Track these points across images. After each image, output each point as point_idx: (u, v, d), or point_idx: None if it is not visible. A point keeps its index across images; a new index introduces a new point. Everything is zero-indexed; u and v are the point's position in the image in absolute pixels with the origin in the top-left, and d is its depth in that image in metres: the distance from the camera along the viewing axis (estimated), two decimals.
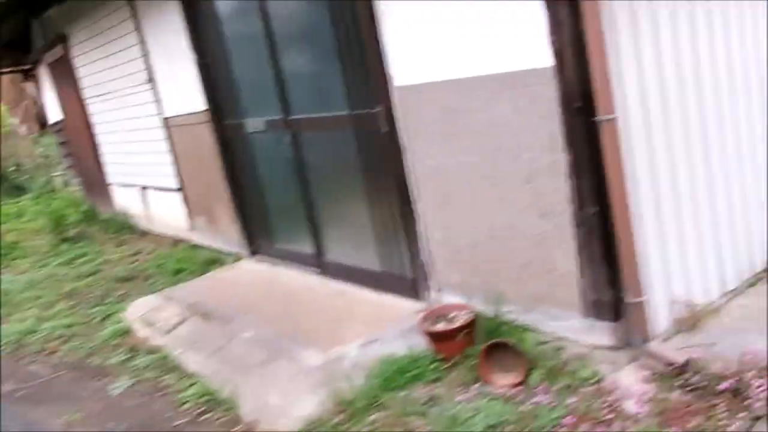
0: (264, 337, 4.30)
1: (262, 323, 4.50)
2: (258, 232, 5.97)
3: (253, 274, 5.66)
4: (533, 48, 3.12)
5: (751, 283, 3.80)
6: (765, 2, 3.78)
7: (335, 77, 4.37)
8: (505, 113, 3.35)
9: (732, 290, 3.71)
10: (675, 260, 3.40)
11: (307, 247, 5.30)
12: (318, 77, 4.62)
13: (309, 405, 3.48)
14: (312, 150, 4.91)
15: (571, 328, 3.41)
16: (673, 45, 3.31)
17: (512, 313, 3.63)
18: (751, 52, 3.71)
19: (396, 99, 3.95)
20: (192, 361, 4.31)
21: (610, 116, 3.01)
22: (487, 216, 3.64)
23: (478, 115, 3.48)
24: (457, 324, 3.59)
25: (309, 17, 4.47)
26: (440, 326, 3.64)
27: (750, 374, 2.90)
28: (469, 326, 3.58)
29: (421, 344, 3.67)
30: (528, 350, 3.40)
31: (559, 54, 3.06)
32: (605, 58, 2.98)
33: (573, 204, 3.21)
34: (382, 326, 4.02)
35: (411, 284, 4.31)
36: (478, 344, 3.51)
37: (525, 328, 3.58)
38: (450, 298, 4.02)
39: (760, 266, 3.87)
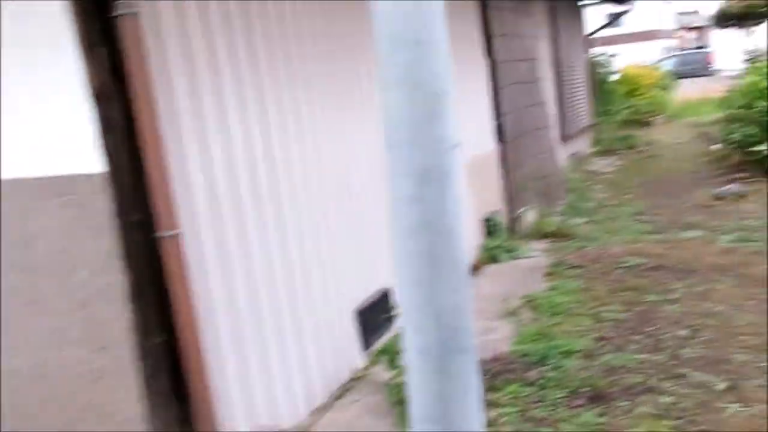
0: None
1: None
2: None
3: None
4: (82, 150, 2.63)
5: (340, 395, 3.71)
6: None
7: None
8: (50, 225, 2.75)
9: (321, 405, 3.58)
10: (258, 385, 3.12)
11: None
12: None
13: None
14: None
15: None
16: (247, 158, 3.14)
17: None
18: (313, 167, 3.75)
19: None
20: None
21: (173, 231, 2.64)
22: (34, 351, 2.93)
23: (17, 226, 2.82)
24: None
25: None
26: None
27: None
28: None
29: None
30: None
31: (112, 160, 2.63)
32: (165, 168, 2.63)
33: (136, 333, 2.72)
34: None
35: None
36: None
37: None
38: None
39: (347, 376, 3.83)
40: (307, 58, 3.67)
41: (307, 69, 3.65)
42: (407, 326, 1.63)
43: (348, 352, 3.85)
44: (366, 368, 3.94)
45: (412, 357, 1.63)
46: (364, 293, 4.03)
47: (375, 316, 4.07)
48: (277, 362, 3.26)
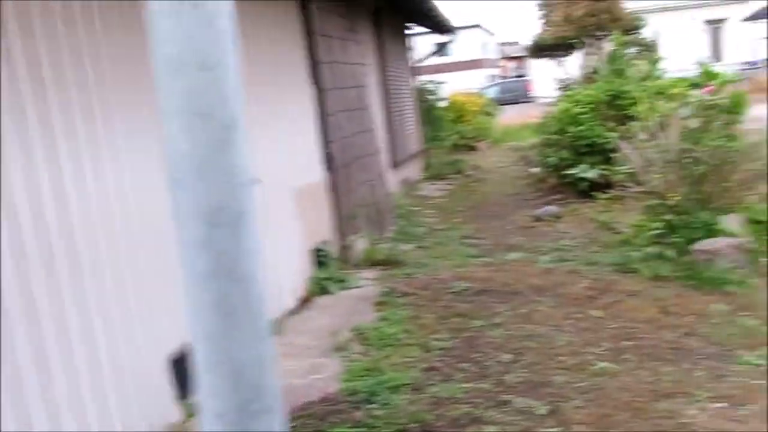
0: None
1: None
2: None
3: None
4: None
5: None
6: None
7: None
8: None
9: None
10: None
11: None
12: None
13: None
14: None
15: None
16: (55, 195, 2.78)
17: None
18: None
19: None
20: None
21: None
22: None
23: None
24: None
25: None
26: None
27: None
28: None
29: None
30: None
31: None
32: None
33: None
34: None
35: None
36: None
37: None
38: None
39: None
40: (121, 82, 3.34)
41: (122, 94, 3.33)
42: (201, 388, 1.43)
43: (161, 405, 3.52)
44: (184, 421, 3.62)
45: (208, 423, 1.43)
46: (177, 341, 3.71)
47: (191, 364, 3.75)
48: (74, 428, 2.89)
